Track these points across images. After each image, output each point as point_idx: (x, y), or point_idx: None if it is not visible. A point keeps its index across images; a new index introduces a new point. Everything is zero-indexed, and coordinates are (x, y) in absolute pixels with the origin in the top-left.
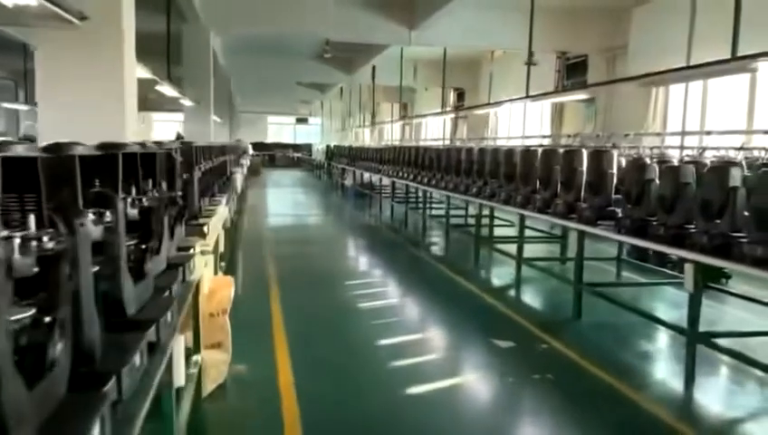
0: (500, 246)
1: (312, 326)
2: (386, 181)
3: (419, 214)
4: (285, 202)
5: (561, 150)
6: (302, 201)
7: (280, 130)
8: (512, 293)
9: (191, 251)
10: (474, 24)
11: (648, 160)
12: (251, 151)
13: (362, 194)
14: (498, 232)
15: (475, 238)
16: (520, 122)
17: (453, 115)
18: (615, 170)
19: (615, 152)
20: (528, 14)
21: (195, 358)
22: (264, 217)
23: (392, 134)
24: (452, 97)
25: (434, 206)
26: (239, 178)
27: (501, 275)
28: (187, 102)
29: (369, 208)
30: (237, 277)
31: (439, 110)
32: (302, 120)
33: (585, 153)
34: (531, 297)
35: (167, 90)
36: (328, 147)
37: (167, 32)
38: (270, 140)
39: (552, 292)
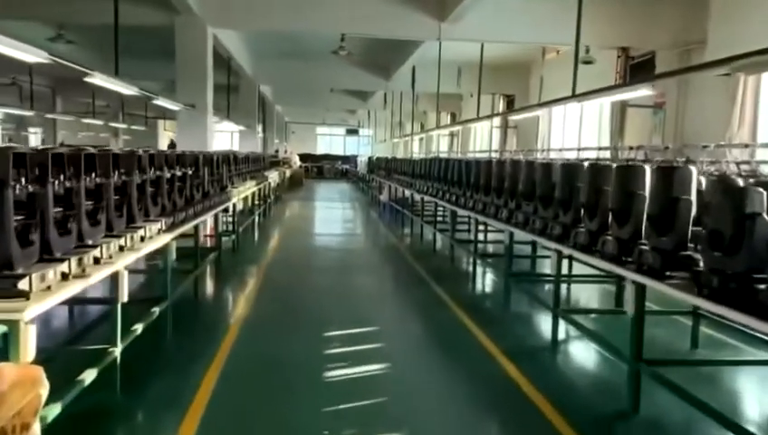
0: (540, 286)
1: (244, 417)
2: (418, 197)
3: (450, 238)
4: (311, 218)
5: (615, 166)
6: (330, 218)
7: (330, 141)
8: (543, 360)
9: None
10: (517, 15)
11: (740, 182)
12: (297, 163)
13: (398, 210)
14: (543, 266)
15: (504, 277)
16: (575, 133)
17: (499, 124)
18: (694, 196)
19: (694, 170)
20: (582, 4)
21: None
22: (277, 237)
23: (438, 146)
24: (501, 104)
25: (470, 228)
26: (239, 193)
27: (536, 329)
28: (171, 105)
29: (401, 228)
30: (194, 323)
31: (488, 119)
32: (352, 132)
33: (648, 170)
34: (569, 369)
35: (102, 82)
36: (369, 159)
37: (114, 13)
38: (320, 151)
39: (602, 362)
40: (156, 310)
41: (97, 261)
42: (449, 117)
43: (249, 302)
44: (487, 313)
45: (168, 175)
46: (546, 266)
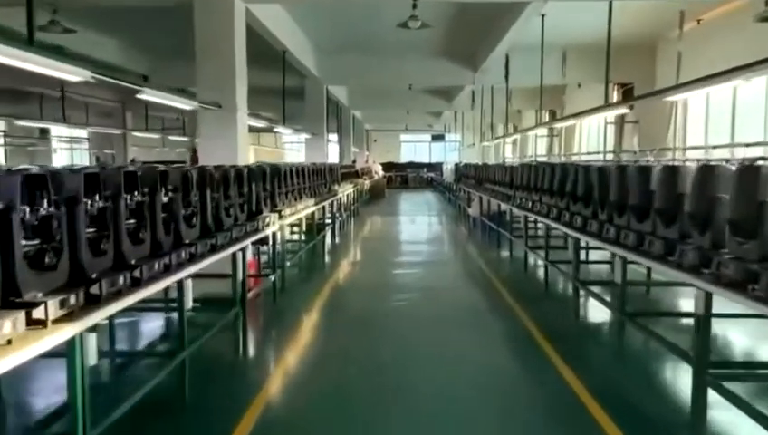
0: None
1: None
2: (518, 212)
3: (573, 278)
4: (388, 240)
5: None
6: (409, 239)
7: (415, 148)
8: None
9: None
10: None
11: None
12: (380, 173)
13: (491, 228)
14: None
15: (695, 367)
16: (720, 126)
17: (614, 120)
18: None
19: None
20: None
21: None
22: (341, 269)
23: (535, 149)
24: (615, 95)
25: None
26: (283, 218)
27: None
28: (181, 104)
29: (496, 251)
30: None
31: (609, 109)
32: (437, 138)
33: None
34: None
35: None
36: (456, 166)
37: None
38: (404, 159)
39: None
40: None
41: None
42: (548, 115)
43: (259, 408)
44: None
45: (97, 207)
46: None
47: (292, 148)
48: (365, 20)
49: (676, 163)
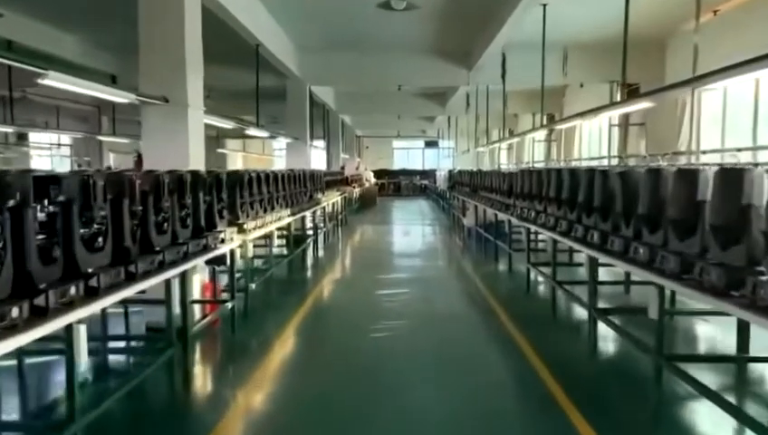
0: None
1: None
2: (520, 224)
3: (588, 306)
4: (375, 251)
5: None
6: (398, 251)
7: (408, 155)
8: None
9: None
10: None
11: None
12: (371, 180)
13: (488, 239)
14: None
15: None
16: (739, 127)
17: (618, 122)
18: None
19: None
20: None
21: None
22: (319, 288)
23: (532, 154)
24: (619, 96)
25: (608, 281)
26: (244, 232)
27: None
28: (110, 95)
29: (494, 265)
30: None
31: (630, 104)
32: (431, 144)
33: None
34: None
35: None
36: (450, 172)
37: None
38: (397, 166)
39: None
40: None
41: None
42: (545, 120)
43: None
44: None
45: None
46: None
47: (281, 155)
48: (348, 13)
49: (739, 166)
